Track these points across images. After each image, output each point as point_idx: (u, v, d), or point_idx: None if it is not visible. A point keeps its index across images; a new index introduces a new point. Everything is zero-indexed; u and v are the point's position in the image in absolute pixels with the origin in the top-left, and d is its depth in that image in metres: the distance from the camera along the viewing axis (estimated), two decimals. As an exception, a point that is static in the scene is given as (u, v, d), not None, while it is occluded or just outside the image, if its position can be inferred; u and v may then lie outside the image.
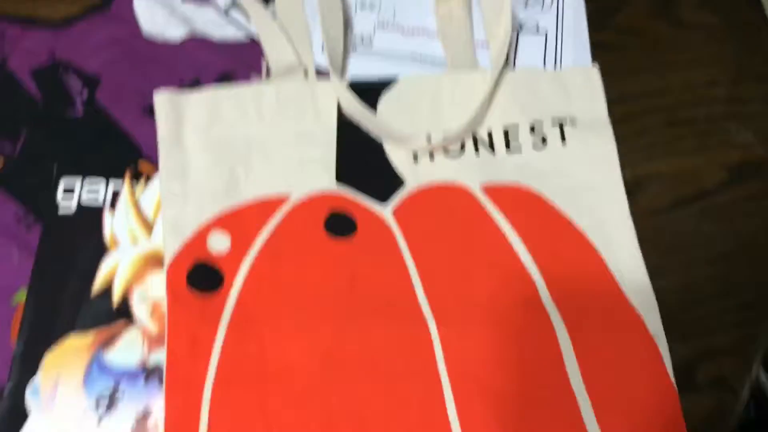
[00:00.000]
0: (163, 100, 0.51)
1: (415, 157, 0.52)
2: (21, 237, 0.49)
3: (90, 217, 0.50)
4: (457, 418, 0.45)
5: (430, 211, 0.51)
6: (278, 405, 0.45)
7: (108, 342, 0.47)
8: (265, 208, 0.50)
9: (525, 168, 0.52)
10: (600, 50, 0.58)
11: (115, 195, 0.51)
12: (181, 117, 0.51)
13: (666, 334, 0.49)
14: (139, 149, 0.52)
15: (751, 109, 0.57)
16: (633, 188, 0.53)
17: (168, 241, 0.48)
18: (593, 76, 0.55)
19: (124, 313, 0.47)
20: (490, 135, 0.53)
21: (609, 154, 0.53)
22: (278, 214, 0.50)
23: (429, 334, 0.47)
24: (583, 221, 0.51)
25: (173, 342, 0.46)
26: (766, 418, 0.67)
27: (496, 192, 0.51)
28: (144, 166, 0.52)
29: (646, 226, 0.52)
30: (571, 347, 0.47)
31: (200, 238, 0.49)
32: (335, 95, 0.53)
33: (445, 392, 0.46)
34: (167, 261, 0.47)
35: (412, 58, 0.57)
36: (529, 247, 0.50)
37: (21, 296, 0.48)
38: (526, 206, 0.51)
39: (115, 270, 0.48)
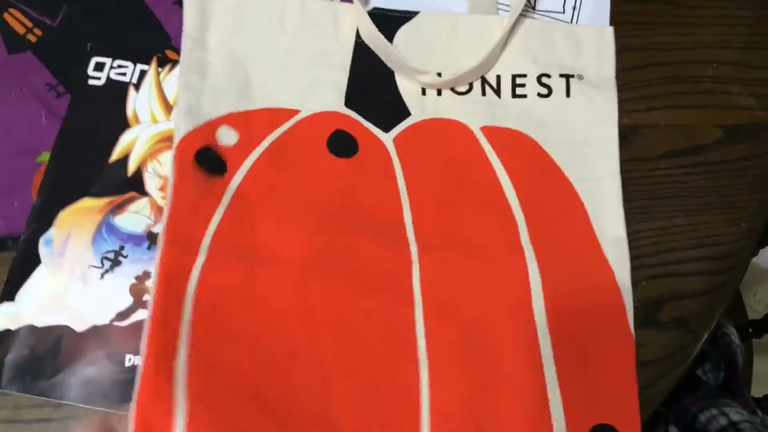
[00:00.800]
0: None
1: (424, 91, 0.54)
2: (50, 102, 0.53)
3: (117, 91, 0.53)
4: (424, 336, 0.48)
5: (429, 144, 0.53)
6: (263, 286, 0.48)
7: (119, 207, 0.50)
8: (274, 115, 0.52)
9: (527, 114, 0.54)
10: (619, 0, 0.60)
11: (142, 75, 0.54)
12: (207, 18, 0.54)
13: (637, 272, 0.52)
14: (168, 38, 0.56)
15: (758, 75, 0.59)
16: (629, 134, 0.56)
17: (180, 124, 0.51)
18: (607, 36, 0.57)
19: (136, 183, 0.51)
20: (498, 79, 0.55)
21: (610, 113, 0.55)
22: (286, 124, 0.52)
23: (409, 255, 0.50)
24: (573, 173, 0.53)
25: (176, 206, 0.48)
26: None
27: (495, 133, 0.53)
28: (171, 54, 0.55)
29: (636, 170, 0.55)
30: (541, 289, 0.50)
31: (210, 127, 0.51)
32: (356, 19, 0.55)
33: (416, 311, 0.48)
34: (177, 138, 0.50)
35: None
36: (517, 190, 0.52)
37: (45, 156, 0.51)
38: (521, 151, 0.53)
39: (133, 144, 0.52)
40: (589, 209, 0.52)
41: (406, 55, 0.54)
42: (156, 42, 0.55)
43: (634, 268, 0.52)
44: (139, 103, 0.53)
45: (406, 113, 0.54)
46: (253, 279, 0.48)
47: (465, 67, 0.54)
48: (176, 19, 0.55)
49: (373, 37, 0.54)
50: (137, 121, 0.53)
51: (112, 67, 0.54)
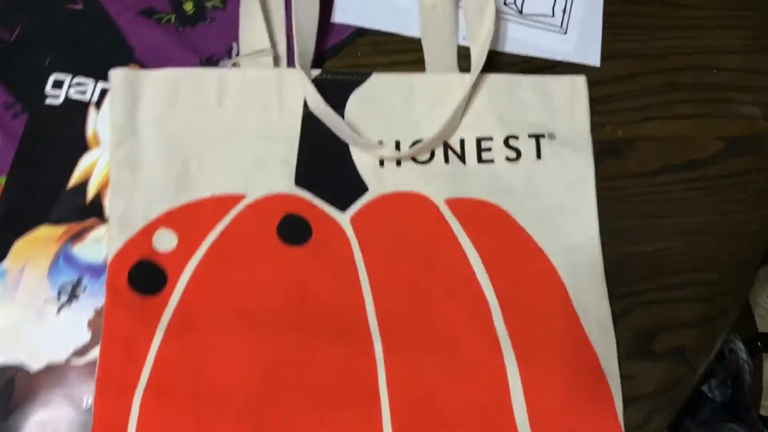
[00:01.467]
0: (118, 78, 0.48)
1: (381, 162, 0.49)
2: (6, 123, 0.50)
3: (75, 111, 0.50)
4: None
5: (390, 222, 0.48)
6: (211, 424, 0.44)
7: (78, 236, 0.48)
8: (217, 206, 0.47)
9: (495, 182, 0.50)
10: (613, 1, 0.56)
11: (103, 94, 0.51)
12: (137, 98, 0.48)
13: (628, 298, 0.48)
14: (132, 51, 0.52)
15: (761, 82, 0.55)
16: (623, 148, 0.52)
17: (113, 237, 0.46)
18: (579, 87, 0.52)
19: (95, 210, 0.48)
20: (462, 144, 0.50)
21: (586, 173, 0.50)
22: (231, 214, 0.47)
23: (374, 355, 0.46)
24: (549, 245, 0.48)
25: (107, 342, 0.44)
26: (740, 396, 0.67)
27: (461, 206, 0.49)
28: (134, 68, 0.52)
29: (629, 187, 0.51)
30: (520, 384, 0.45)
31: (147, 234, 0.46)
32: (302, 89, 0.50)
33: (383, 420, 0.45)
34: (109, 257, 0.46)
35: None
36: (489, 271, 0.48)
37: (0, 181, 0.49)
38: (490, 224, 0.49)
39: (92, 167, 0.49)
40: (567, 285, 0.48)
41: (361, 124, 0.50)
42: (119, 56, 0.52)
43: (625, 295, 0.49)
44: (100, 124, 0.50)
45: (363, 188, 0.49)
46: (197, 418, 0.44)
47: (426, 135, 0.49)
48: (140, 30, 0.52)
49: (323, 111, 0.49)
50: (97, 143, 0.50)
51: (71, 85, 0.51)
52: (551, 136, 0.51)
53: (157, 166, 0.48)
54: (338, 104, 0.50)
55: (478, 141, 0.50)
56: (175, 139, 0.48)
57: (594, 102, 0.52)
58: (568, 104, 0.51)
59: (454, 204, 0.49)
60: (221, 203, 0.47)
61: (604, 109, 0.53)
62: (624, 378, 0.47)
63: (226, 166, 0.48)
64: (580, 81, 0.52)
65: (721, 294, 0.50)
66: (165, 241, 0.47)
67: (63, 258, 0.47)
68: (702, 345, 0.49)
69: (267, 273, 0.47)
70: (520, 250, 0.48)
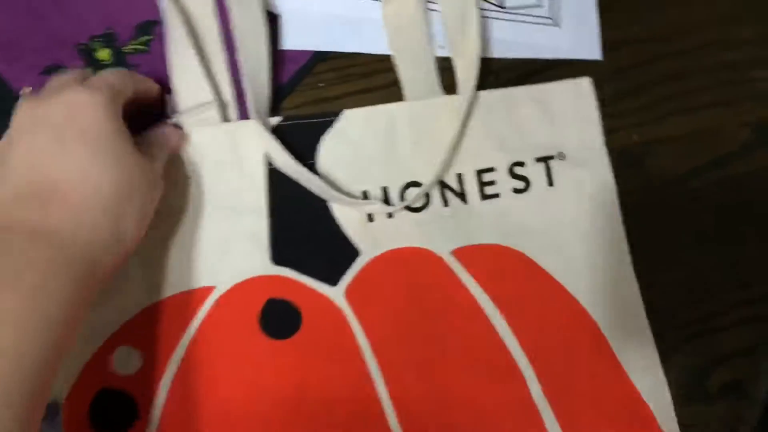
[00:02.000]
0: None
1: (370, 217, 0.41)
2: None
3: None
4: None
5: (390, 290, 0.40)
6: None
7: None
8: (181, 307, 0.39)
9: (504, 221, 0.42)
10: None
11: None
12: None
13: (672, 335, 0.42)
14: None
15: (782, 52, 0.48)
16: (641, 155, 0.45)
17: (64, 371, 0.38)
18: (585, 91, 0.44)
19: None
20: (460, 179, 0.42)
21: (607, 196, 0.43)
22: (199, 315, 0.39)
23: None
24: (578, 288, 0.41)
25: None
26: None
27: (471, 257, 0.41)
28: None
29: (652, 202, 0.44)
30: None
31: (103, 356, 0.38)
32: (263, 143, 0.40)
33: None
34: (62, 394, 0.38)
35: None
36: (517, 332, 0.41)
37: None
38: (508, 274, 0.41)
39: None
40: (606, 332, 0.41)
41: (338, 174, 0.41)
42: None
43: (665, 333, 0.42)
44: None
45: (353, 253, 0.41)
46: None
47: (417, 175, 0.42)
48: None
49: (293, 170, 0.40)
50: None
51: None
52: (561, 157, 0.43)
53: None
54: (306, 154, 0.41)
55: (479, 174, 0.42)
56: None
57: (601, 104, 0.44)
58: (574, 114, 0.44)
59: (463, 254, 0.41)
60: (185, 302, 0.39)
61: (614, 110, 0.45)
62: (682, 427, 0.41)
63: (183, 260, 0.39)
64: (585, 84, 0.44)
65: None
66: (127, 361, 0.38)
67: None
68: (760, 372, 0.43)
69: (256, 380, 0.39)
70: (546, 297, 0.41)
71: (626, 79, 0.46)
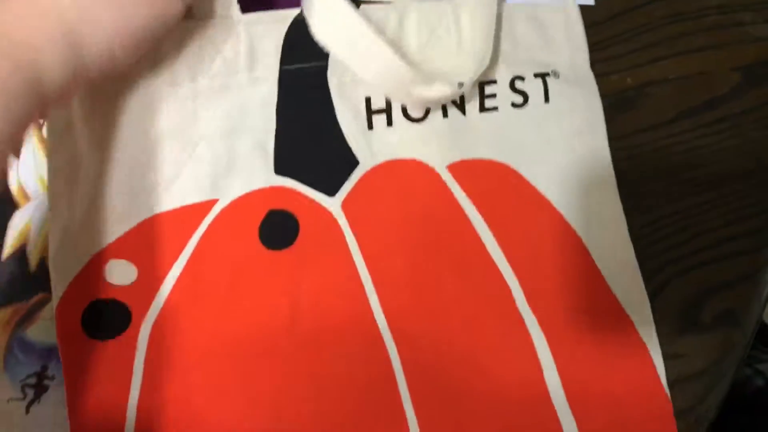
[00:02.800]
0: None
1: (370, 124, 0.42)
2: None
3: (-12, 165, 0.41)
4: None
5: (385, 203, 0.41)
6: None
7: (27, 318, 0.39)
8: (184, 220, 0.39)
9: (501, 135, 0.43)
10: None
11: (18, 134, 0.41)
12: None
13: (665, 269, 0.44)
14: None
15: (771, -5, 0.49)
16: (634, 97, 0.46)
17: (55, 273, 0.37)
18: (573, 18, 0.45)
19: (43, 280, 0.40)
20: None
21: (596, 119, 0.44)
22: (201, 227, 0.39)
23: (389, 361, 0.40)
24: (566, 207, 0.43)
25: (75, 408, 0.37)
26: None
27: (466, 171, 0.42)
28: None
29: (647, 142, 0.46)
30: (553, 362, 0.41)
31: (97, 266, 0.38)
32: (277, 37, 0.40)
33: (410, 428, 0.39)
34: (55, 300, 0.37)
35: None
36: (503, 245, 0.42)
37: None
38: (500, 189, 0.42)
39: (27, 229, 0.40)
40: (590, 247, 0.42)
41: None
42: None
43: (661, 265, 0.44)
44: (24, 173, 0.41)
45: (354, 162, 0.41)
46: None
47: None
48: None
49: (351, 30, 0.39)
50: (26, 197, 0.41)
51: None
52: (555, 74, 0.44)
53: (100, 181, 0.38)
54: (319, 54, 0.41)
55: (481, 86, 0.43)
56: (117, 144, 0.38)
57: (595, 48, 0.45)
58: (565, 39, 0.45)
59: (457, 169, 0.42)
60: (189, 216, 0.39)
61: (608, 54, 0.46)
62: (674, 357, 0.42)
63: (188, 169, 0.39)
64: (573, 12, 0.45)
65: (760, 244, 0.45)
66: (121, 273, 0.38)
67: (17, 347, 0.39)
68: (750, 302, 0.45)
69: (253, 291, 0.39)
70: (532, 212, 0.43)
71: (618, 25, 0.47)
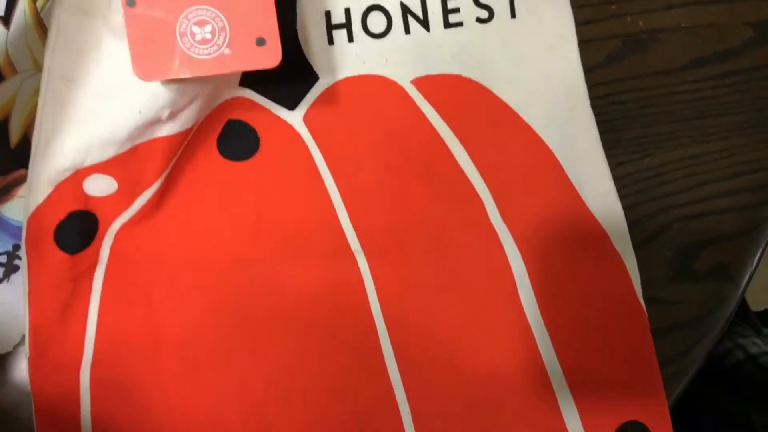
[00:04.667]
0: None
1: (330, 38, 0.40)
2: None
3: (-24, 31, 0.39)
4: (397, 371, 0.38)
5: (349, 116, 0.40)
6: (178, 381, 0.37)
7: (4, 193, 0.38)
8: (171, 146, 0.37)
9: (466, 51, 0.41)
10: None
11: (11, 4, 0.39)
12: None
13: (666, 215, 0.43)
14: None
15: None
16: (646, 41, 0.45)
17: (34, 180, 0.35)
18: None
19: (22, 157, 0.38)
20: (424, 5, 0.42)
21: (567, 32, 0.43)
22: (179, 151, 0.38)
23: (358, 270, 0.39)
24: (535, 118, 0.41)
25: (36, 317, 0.36)
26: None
27: (431, 85, 0.41)
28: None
29: (657, 86, 0.44)
30: (527, 276, 0.40)
31: (78, 178, 0.36)
32: None
33: (382, 344, 0.38)
34: (29, 209, 0.35)
35: None
36: (473, 155, 0.41)
37: None
38: (467, 102, 0.41)
39: (11, 102, 0.38)
40: (560, 158, 0.41)
41: None
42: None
43: (661, 210, 0.43)
44: (13, 44, 0.39)
45: (313, 77, 0.40)
46: (160, 381, 0.37)
47: (383, 2, 0.41)
48: None
49: None
50: (13, 70, 0.39)
51: (-34, -4, 0.39)
52: None
53: (100, 78, 0.34)
54: None
55: (443, 1, 0.42)
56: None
57: (611, -11, 0.45)
58: None
59: (422, 83, 0.41)
60: (176, 142, 0.37)
61: (623, -5, 0.45)
62: (666, 303, 0.42)
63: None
64: None
65: (763, 200, 0.45)
66: (100, 186, 0.36)
67: (-10, 222, 0.37)
68: (744, 257, 0.44)
69: (214, 202, 0.38)
70: (503, 126, 0.41)
71: (637, -33, 0.46)
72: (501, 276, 0.40)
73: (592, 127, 0.42)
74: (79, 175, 0.35)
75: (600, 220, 0.41)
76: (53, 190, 0.35)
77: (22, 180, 0.37)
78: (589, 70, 0.44)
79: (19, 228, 0.37)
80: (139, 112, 0.34)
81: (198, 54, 0.32)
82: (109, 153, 0.35)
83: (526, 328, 0.39)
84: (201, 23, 0.32)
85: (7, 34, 0.39)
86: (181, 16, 0.32)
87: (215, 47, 0.32)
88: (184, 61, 0.32)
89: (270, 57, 0.33)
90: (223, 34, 0.32)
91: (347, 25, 0.41)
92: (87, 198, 0.36)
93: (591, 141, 0.42)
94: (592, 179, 0.42)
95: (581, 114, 0.42)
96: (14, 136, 0.38)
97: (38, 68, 0.39)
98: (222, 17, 0.32)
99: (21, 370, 0.37)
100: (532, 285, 0.40)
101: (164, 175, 0.37)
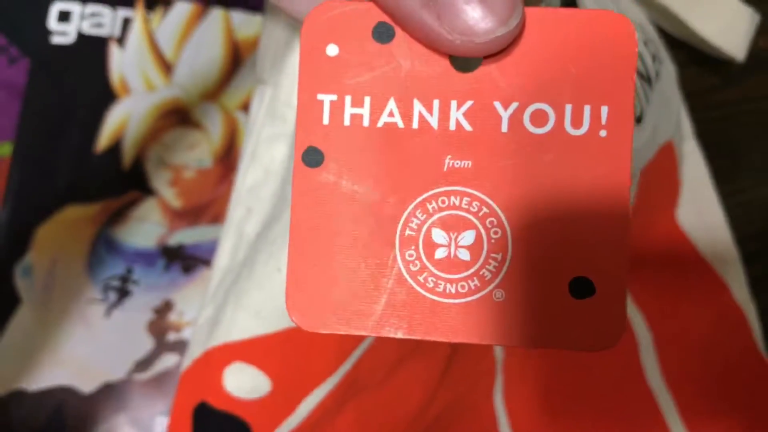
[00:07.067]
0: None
1: None
2: (1, 72, 0.38)
3: (93, 49, 0.38)
4: None
5: None
6: None
7: (118, 215, 0.37)
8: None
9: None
10: None
11: (126, 25, 0.39)
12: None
13: None
14: (154, -34, 0.40)
15: None
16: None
17: (196, 331, 0.32)
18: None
19: (137, 178, 0.37)
20: None
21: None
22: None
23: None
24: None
25: None
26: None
27: None
28: (161, -11, 0.40)
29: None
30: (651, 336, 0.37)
31: (217, 364, 0.30)
32: None
33: None
34: (184, 364, 0.32)
35: None
36: None
37: (5, 150, 0.37)
38: None
39: (125, 123, 0.38)
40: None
41: None
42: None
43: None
44: (127, 65, 0.38)
45: None
46: None
47: None
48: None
49: None
50: (127, 90, 0.38)
51: (83, 17, 0.39)
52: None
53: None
54: None
55: None
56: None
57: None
58: None
59: None
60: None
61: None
62: None
63: None
64: None
65: None
66: (243, 381, 0.30)
67: (103, 245, 0.37)
68: None
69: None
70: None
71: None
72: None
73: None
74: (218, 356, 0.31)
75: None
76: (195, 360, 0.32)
77: (136, 202, 0.37)
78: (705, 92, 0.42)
79: (133, 252, 0.36)
80: None
81: (434, 291, 0.17)
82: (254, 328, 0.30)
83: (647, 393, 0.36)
84: (454, 224, 0.16)
85: (122, 54, 0.38)
86: (415, 202, 0.17)
87: (475, 283, 0.16)
88: (397, 305, 0.17)
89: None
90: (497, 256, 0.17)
91: None
92: (228, 397, 0.30)
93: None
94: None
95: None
96: (126, 158, 0.37)
97: (152, 88, 0.38)
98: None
99: (131, 401, 0.36)
100: (655, 342, 0.37)
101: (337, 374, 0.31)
